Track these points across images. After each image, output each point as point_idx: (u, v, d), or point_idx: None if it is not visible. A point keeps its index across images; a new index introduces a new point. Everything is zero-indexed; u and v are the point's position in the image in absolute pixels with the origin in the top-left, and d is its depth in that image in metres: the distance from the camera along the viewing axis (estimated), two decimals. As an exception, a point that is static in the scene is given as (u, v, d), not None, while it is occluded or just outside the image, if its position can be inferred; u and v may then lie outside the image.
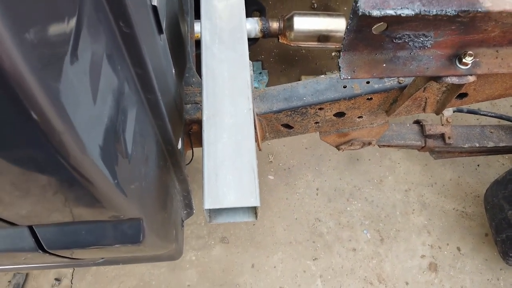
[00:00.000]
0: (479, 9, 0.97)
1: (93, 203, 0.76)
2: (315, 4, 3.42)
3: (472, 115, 2.82)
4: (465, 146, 2.23)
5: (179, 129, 1.39)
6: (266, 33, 2.47)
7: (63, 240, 0.97)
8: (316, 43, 2.49)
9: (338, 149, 1.97)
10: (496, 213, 2.27)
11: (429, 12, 0.96)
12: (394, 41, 1.07)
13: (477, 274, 2.65)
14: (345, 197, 2.86)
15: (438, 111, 1.62)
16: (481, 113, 2.47)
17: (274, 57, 3.29)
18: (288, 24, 2.44)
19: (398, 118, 2.90)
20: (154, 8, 0.84)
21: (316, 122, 1.70)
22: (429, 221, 2.80)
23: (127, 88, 0.80)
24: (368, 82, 1.55)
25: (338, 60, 1.12)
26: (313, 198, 2.85)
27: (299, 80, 3.15)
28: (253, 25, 2.45)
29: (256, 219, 1.14)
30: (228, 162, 1.09)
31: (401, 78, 1.51)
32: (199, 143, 1.64)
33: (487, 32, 1.06)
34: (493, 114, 2.46)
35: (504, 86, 1.56)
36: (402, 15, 0.96)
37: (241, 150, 1.10)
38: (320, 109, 1.61)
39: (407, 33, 1.05)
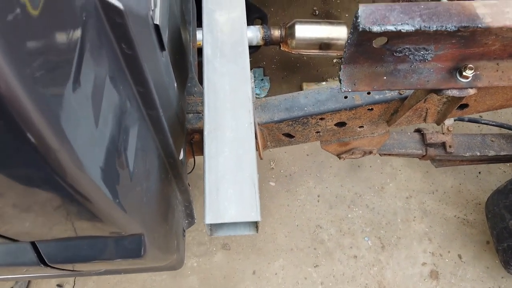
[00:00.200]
0: (479, 25, 0.97)
1: (94, 221, 0.77)
2: (317, 11, 3.42)
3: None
4: (466, 155, 2.23)
5: (181, 140, 1.39)
6: (268, 41, 2.48)
7: (64, 255, 0.97)
8: (317, 51, 2.49)
9: (339, 158, 1.97)
10: (497, 222, 2.26)
11: (429, 27, 0.97)
12: (395, 54, 1.07)
13: (479, 282, 2.64)
14: (346, 204, 2.86)
15: (439, 121, 1.62)
16: (483, 121, 2.47)
17: (275, 63, 3.30)
18: (290, 32, 2.44)
19: (399, 127, 2.90)
20: (156, 27, 0.84)
21: (317, 132, 1.70)
22: (430, 229, 2.79)
23: (129, 106, 0.81)
24: (369, 93, 1.55)
25: (339, 73, 1.12)
26: (314, 205, 2.85)
27: (301, 86, 3.15)
28: (255, 33, 2.45)
29: (257, 232, 1.14)
30: (229, 176, 1.09)
31: (401, 90, 1.52)
32: (201, 151, 1.64)
33: (487, 46, 1.06)
34: (494, 123, 2.45)
35: (505, 97, 1.56)
36: (403, 30, 0.96)
37: (242, 164, 1.10)
38: (321, 119, 1.61)
39: (408, 46, 1.05)
